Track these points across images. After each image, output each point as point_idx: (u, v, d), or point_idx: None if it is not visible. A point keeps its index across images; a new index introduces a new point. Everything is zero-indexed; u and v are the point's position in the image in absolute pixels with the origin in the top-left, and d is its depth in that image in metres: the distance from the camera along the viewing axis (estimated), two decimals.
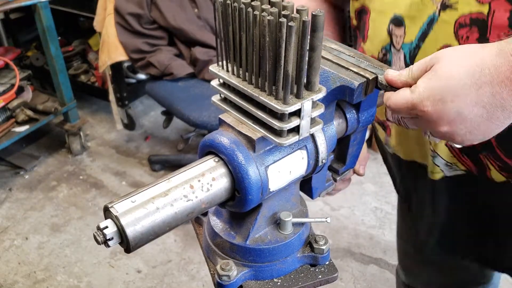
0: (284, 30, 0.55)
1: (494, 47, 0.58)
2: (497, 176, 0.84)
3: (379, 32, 0.88)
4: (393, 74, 0.67)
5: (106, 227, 0.57)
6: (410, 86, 0.64)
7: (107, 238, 0.57)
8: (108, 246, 0.58)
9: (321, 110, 0.65)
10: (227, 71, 0.68)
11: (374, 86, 0.70)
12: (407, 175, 1.08)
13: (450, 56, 0.61)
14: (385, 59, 0.90)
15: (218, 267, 0.70)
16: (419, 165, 0.98)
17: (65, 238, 2.46)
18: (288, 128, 0.62)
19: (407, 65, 0.84)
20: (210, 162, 0.67)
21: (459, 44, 0.75)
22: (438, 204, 1.02)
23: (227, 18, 0.63)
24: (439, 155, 0.88)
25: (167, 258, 2.35)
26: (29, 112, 2.77)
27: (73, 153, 3.08)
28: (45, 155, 3.09)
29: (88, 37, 3.59)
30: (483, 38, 0.72)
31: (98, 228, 0.57)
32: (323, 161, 0.73)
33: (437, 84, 0.60)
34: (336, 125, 0.75)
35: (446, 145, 0.85)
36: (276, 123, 0.62)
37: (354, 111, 0.77)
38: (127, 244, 0.58)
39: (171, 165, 2.95)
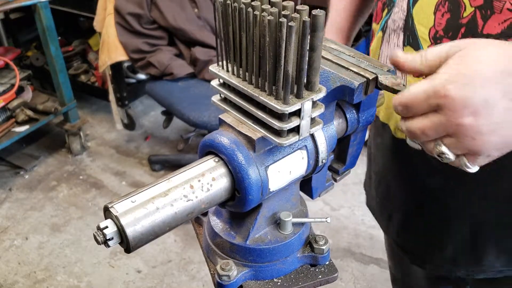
0: (284, 30, 0.55)
1: None
2: None
3: None
4: (403, 55, 0.60)
5: (106, 227, 0.57)
6: (421, 74, 0.59)
7: (107, 238, 0.57)
8: (108, 246, 0.58)
9: (321, 110, 0.65)
10: (227, 71, 0.68)
11: (374, 86, 0.70)
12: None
13: (475, 44, 0.56)
14: None
15: (218, 267, 0.70)
16: (381, 123, 0.97)
17: (65, 238, 2.46)
18: (288, 128, 0.62)
19: (408, 7, 0.82)
20: (210, 162, 0.67)
21: None
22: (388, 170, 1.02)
23: (227, 18, 0.63)
24: None
25: (167, 258, 2.35)
26: (29, 112, 2.77)
27: (73, 153, 3.08)
28: (45, 155, 3.09)
29: (88, 37, 3.59)
30: None
31: (98, 228, 0.57)
32: (323, 161, 0.73)
33: (464, 68, 0.54)
34: (336, 125, 0.75)
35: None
36: (276, 123, 0.62)
37: (354, 111, 0.77)
38: (127, 244, 0.58)
39: (171, 165, 2.95)
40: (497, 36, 0.71)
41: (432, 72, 0.57)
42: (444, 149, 0.58)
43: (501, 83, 0.53)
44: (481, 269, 0.94)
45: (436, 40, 0.78)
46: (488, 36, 0.72)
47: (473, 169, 0.59)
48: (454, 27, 0.75)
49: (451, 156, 0.59)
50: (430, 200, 0.95)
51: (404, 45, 0.85)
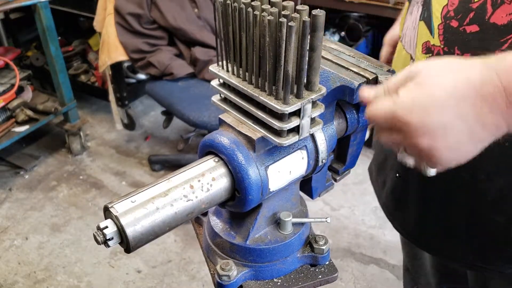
0: (284, 30, 0.55)
1: (479, 63, 0.58)
2: None
3: None
4: (366, 92, 0.65)
5: (106, 227, 0.57)
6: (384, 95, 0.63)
7: (107, 238, 0.57)
8: (108, 246, 0.58)
9: (321, 110, 0.65)
10: (227, 71, 0.68)
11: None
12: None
13: (432, 68, 0.60)
14: None
15: (218, 267, 0.70)
16: None
17: (65, 238, 2.46)
18: (288, 128, 0.62)
19: None
20: (210, 162, 0.67)
21: None
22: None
23: (227, 18, 0.63)
24: None
25: (167, 258, 2.35)
26: (29, 112, 2.77)
27: (73, 153, 3.08)
28: (45, 155, 3.09)
29: (88, 37, 3.59)
30: None
31: (98, 228, 0.57)
32: (323, 161, 0.73)
33: (421, 94, 0.58)
34: (336, 125, 0.75)
35: None
36: (276, 123, 0.62)
37: (354, 111, 0.77)
38: (127, 244, 0.58)
39: (171, 165, 2.95)
40: (503, 27, 0.71)
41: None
42: (406, 159, 0.66)
43: (456, 107, 0.57)
44: (453, 259, 0.96)
45: (446, 19, 0.78)
46: (494, 25, 0.72)
47: (433, 173, 0.66)
48: (464, 10, 0.75)
49: (411, 163, 0.67)
50: (414, 178, 0.96)
51: (419, 19, 0.85)
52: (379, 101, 0.62)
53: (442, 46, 0.79)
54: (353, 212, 2.61)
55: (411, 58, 0.89)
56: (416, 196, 0.97)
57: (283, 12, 0.56)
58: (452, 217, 0.91)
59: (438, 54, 0.80)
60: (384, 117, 0.61)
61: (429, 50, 0.82)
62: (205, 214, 0.81)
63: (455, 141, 0.59)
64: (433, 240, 0.97)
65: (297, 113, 0.62)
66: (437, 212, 0.93)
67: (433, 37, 0.81)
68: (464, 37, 0.76)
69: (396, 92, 0.61)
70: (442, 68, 0.59)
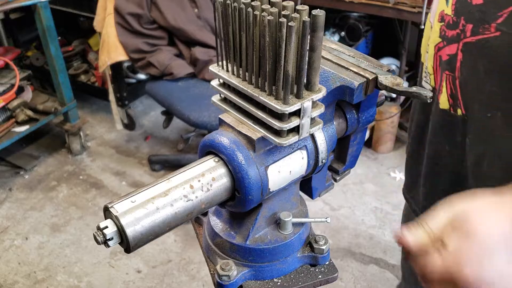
0: (284, 30, 0.55)
1: None
2: (444, 102, 0.91)
3: None
4: (407, 237, 0.62)
5: (106, 227, 0.57)
6: (430, 245, 0.60)
7: (107, 238, 0.57)
8: (108, 246, 0.58)
9: (321, 110, 0.65)
10: (227, 71, 0.68)
11: (374, 86, 0.70)
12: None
13: (477, 214, 0.59)
14: None
15: (218, 267, 0.70)
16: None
17: (65, 238, 2.46)
18: (288, 128, 0.62)
19: None
20: (210, 162, 0.67)
21: None
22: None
23: (227, 18, 0.63)
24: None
25: (167, 258, 2.35)
26: (29, 112, 2.77)
27: (73, 153, 3.08)
28: (45, 155, 3.09)
29: (88, 37, 3.60)
30: None
31: (98, 228, 0.57)
32: (323, 161, 0.73)
33: (472, 246, 0.57)
34: (336, 125, 0.75)
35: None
36: (276, 123, 0.62)
37: (354, 111, 0.77)
38: (127, 244, 0.58)
39: (171, 165, 2.95)
40: (501, 1, 0.75)
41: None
42: None
43: (505, 252, 0.56)
44: None
45: None
46: None
47: None
48: None
49: None
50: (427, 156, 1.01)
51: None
52: (428, 257, 0.60)
53: (452, 16, 0.85)
54: (353, 212, 2.61)
55: (431, 26, 0.94)
56: (423, 171, 1.02)
57: (283, 12, 0.56)
58: (437, 178, 0.96)
59: (448, 23, 0.85)
60: (439, 275, 0.59)
61: (442, 19, 0.88)
62: (205, 214, 0.81)
63: (504, 283, 0.57)
64: (423, 202, 1.02)
65: (297, 113, 0.62)
66: (427, 172, 0.99)
67: (447, 7, 0.86)
68: (470, 9, 0.81)
69: (441, 241, 0.59)
70: (485, 212, 0.59)
